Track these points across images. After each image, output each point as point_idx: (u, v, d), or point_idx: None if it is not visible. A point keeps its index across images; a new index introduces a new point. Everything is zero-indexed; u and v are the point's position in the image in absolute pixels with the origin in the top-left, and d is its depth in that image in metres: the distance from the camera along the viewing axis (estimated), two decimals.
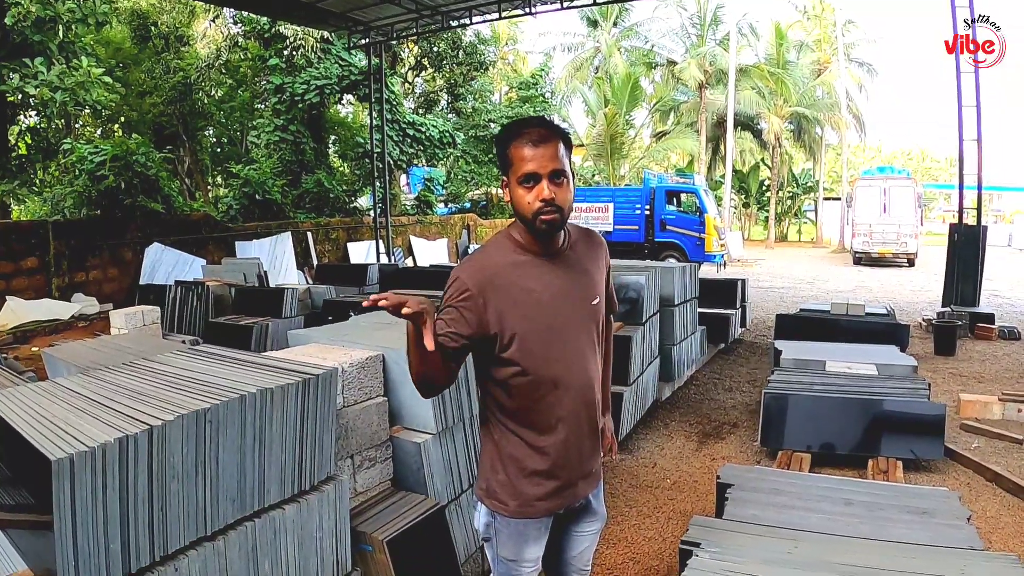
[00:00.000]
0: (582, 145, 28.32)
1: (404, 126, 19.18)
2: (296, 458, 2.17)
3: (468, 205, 27.53)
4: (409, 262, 18.14)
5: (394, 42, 17.85)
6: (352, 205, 21.01)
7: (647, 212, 18.76)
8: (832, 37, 31.43)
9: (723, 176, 29.12)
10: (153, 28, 19.94)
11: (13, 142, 12.85)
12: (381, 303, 1.47)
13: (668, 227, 18.46)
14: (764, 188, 36.25)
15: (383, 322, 3.52)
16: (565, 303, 1.82)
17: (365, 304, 1.49)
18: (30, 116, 13.76)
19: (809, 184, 37.11)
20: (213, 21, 20.87)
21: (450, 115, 25.43)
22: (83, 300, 10.97)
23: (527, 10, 13.20)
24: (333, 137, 22.76)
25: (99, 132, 21.48)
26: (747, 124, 32.17)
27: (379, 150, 16.30)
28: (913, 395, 4.79)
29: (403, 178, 26.41)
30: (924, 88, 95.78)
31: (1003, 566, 2.27)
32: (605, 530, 2.16)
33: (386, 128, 16.62)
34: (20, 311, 9.79)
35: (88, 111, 16.64)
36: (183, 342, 5.02)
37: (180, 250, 12.77)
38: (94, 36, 14.28)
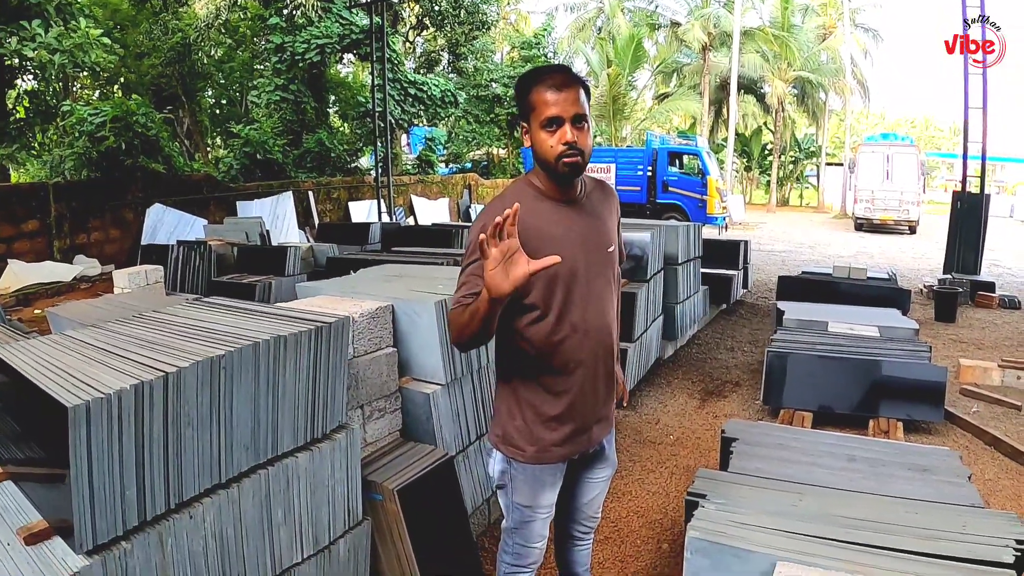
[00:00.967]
0: None
1: (406, 85, 18.93)
2: (309, 406, 2.17)
3: (469, 165, 27.29)
4: (411, 221, 18.05)
5: (395, 0, 17.49)
6: (353, 164, 20.84)
7: (649, 173, 18.61)
8: (838, 1, 30.82)
9: (725, 139, 28.83)
10: None
11: (11, 106, 12.68)
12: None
13: (670, 188, 18.34)
14: (766, 152, 35.99)
15: (391, 275, 3.52)
16: (585, 248, 1.83)
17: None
18: (28, 80, 13.52)
19: (812, 149, 36.85)
20: None
21: (451, 75, 25.06)
22: (85, 262, 10.96)
23: None
24: (334, 97, 22.46)
25: (97, 94, 21.15)
26: (750, 87, 31.79)
27: (380, 109, 16.08)
28: (914, 357, 4.82)
29: (404, 138, 26.14)
30: (930, 56, 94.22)
31: (1003, 523, 2.30)
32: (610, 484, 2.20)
33: (387, 87, 16.39)
34: (22, 274, 9.78)
35: (86, 73, 16.43)
36: (187, 300, 5.01)
37: (182, 210, 12.70)
38: None
